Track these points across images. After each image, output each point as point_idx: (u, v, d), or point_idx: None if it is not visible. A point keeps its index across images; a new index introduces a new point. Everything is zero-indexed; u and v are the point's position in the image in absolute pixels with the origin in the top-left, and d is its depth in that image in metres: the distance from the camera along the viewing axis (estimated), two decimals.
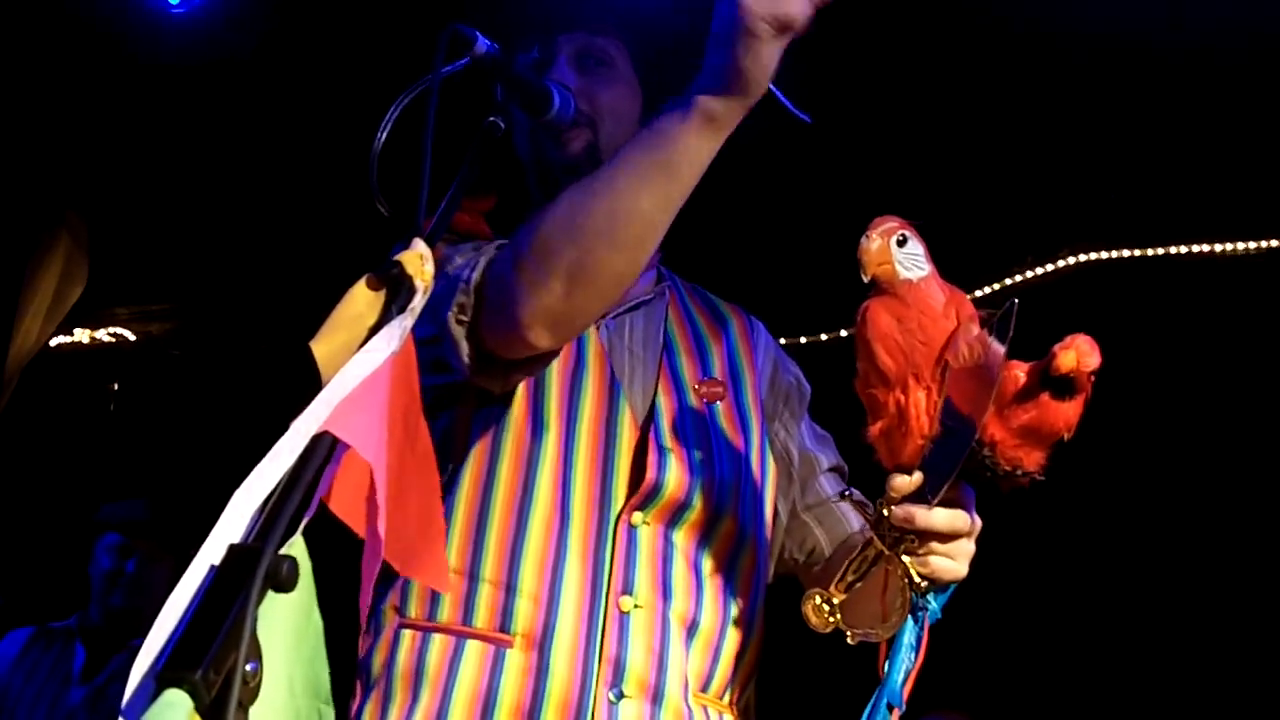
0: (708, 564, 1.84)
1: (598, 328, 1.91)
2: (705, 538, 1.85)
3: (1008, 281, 4.64)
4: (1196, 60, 3.69)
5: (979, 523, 1.60)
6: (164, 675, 0.93)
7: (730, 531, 1.87)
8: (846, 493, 1.89)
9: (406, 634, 1.79)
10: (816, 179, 4.10)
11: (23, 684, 3.86)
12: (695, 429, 1.88)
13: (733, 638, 1.84)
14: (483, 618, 1.75)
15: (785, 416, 2.07)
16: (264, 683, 1.02)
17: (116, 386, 5.59)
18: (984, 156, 4.10)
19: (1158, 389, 4.75)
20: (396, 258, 1.31)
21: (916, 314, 1.51)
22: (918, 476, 1.54)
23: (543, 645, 1.72)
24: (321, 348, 1.25)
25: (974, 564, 1.82)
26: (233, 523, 1.05)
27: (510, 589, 1.74)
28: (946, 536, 1.56)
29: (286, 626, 1.12)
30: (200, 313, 5.37)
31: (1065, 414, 1.51)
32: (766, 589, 1.97)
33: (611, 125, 1.91)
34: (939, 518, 1.54)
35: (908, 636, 1.58)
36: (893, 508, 1.56)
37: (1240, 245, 4.49)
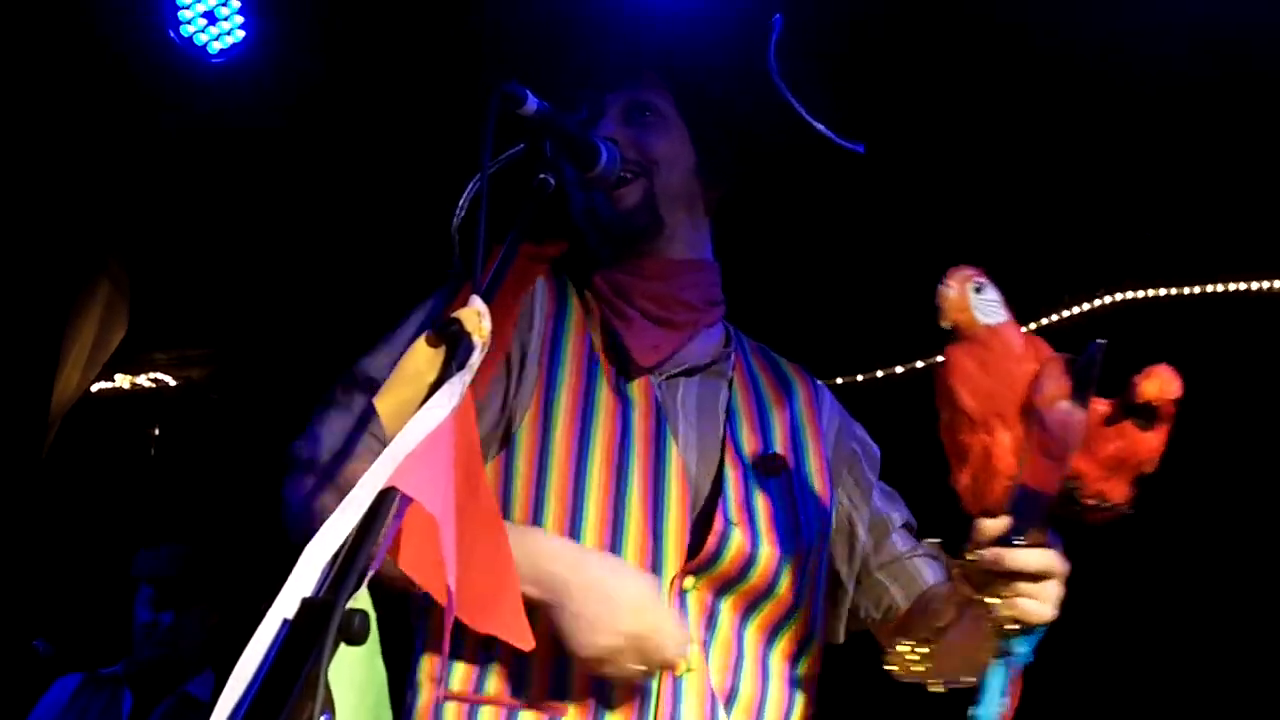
0: (751, 633, 1.85)
1: (651, 386, 1.91)
2: (752, 608, 1.86)
3: (1044, 321, 4.64)
4: (1231, 95, 3.70)
5: (1067, 565, 1.60)
6: None
7: (779, 602, 1.88)
8: (918, 549, 1.96)
9: (450, 706, 1.78)
10: (852, 221, 4.12)
11: None
12: (756, 502, 1.88)
13: (775, 706, 1.84)
14: (535, 688, 1.75)
15: (849, 482, 2.07)
16: None
17: (157, 431, 5.63)
18: (1019, 196, 4.11)
19: (1199, 428, 4.74)
20: (454, 314, 1.34)
21: (998, 357, 1.55)
22: (1005, 519, 1.56)
23: (597, 713, 1.73)
24: (385, 404, 1.28)
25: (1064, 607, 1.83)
26: (304, 576, 1.08)
27: (560, 661, 1.74)
28: (1035, 578, 1.56)
29: (352, 677, 1.14)
30: (238, 357, 5.41)
31: (1149, 444, 1.53)
32: (821, 656, 1.97)
33: (665, 172, 1.93)
34: (1030, 558, 1.55)
35: (996, 681, 1.58)
36: (981, 551, 1.57)
37: (1278, 283, 4.48)
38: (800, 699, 1.89)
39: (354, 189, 4.21)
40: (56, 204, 4.43)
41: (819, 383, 2.15)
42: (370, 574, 1.13)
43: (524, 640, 1.32)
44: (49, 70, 3.84)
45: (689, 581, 1.79)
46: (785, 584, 1.87)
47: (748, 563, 1.83)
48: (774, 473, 1.93)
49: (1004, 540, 1.55)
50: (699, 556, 1.79)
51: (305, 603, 1.04)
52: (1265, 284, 4.46)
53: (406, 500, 1.17)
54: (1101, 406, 1.53)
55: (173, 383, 5.52)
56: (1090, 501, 1.56)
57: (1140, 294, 4.53)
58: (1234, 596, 4.76)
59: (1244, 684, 4.64)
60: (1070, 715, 4.53)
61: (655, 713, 1.72)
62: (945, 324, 1.58)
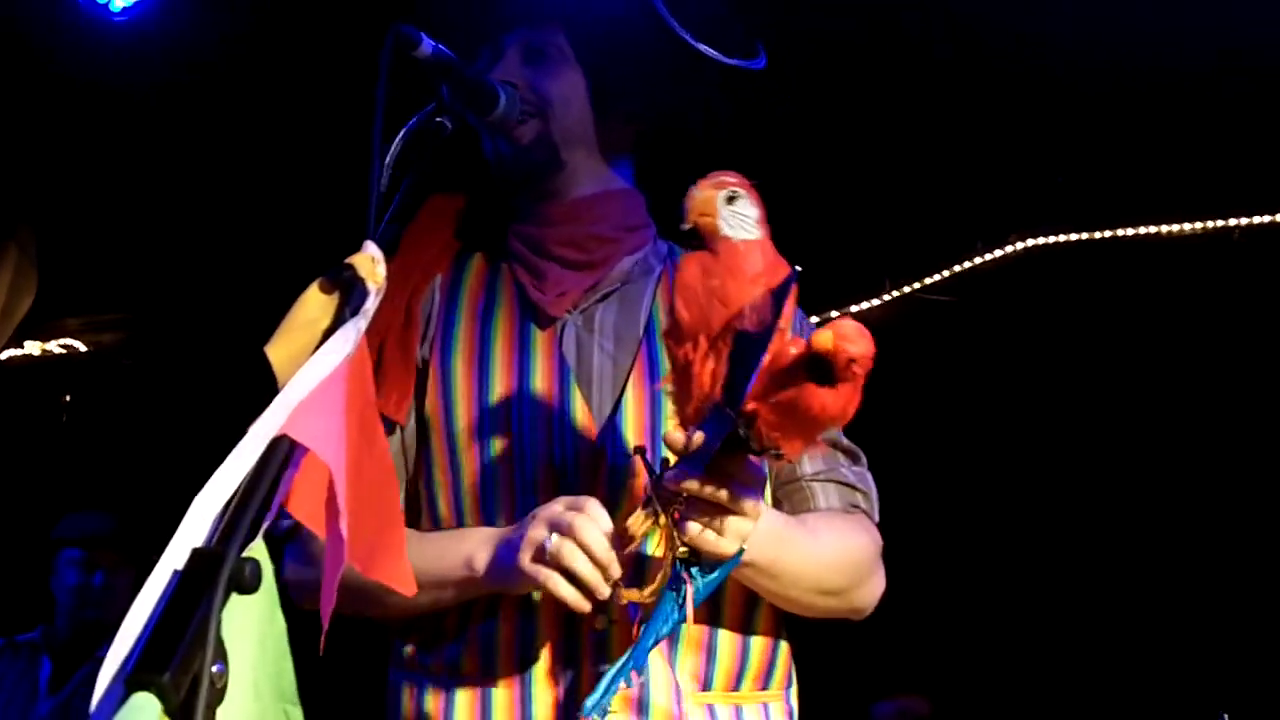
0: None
1: (561, 326, 1.88)
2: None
3: (956, 268, 4.68)
4: (1135, 45, 3.74)
5: (757, 503, 1.54)
6: (132, 679, 0.94)
7: None
8: (833, 473, 1.86)
9: (403, 680, 1.83)
10: (759, 169, 4.12)
11: None
12: (666, 415, 1.79)
13: (727, 633, 1.79)
14: (468, 664, 1.76)
15: None
16: (229, 685, 1.04)
17: (68, 398, 5.56)
18: (931, 145, 4.13)
19: (1108, 370, 4.82)
20: (348, 260, 1.32)
21: (725, 272, 1.44)
22: (698, 437, 1.47)
23: (524, 677, 1.73)
24: (277, 352, 1.25)
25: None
26: (195, 527, 1.06)
27: (488, 632, 1.75)
28: (711, 507, 1.50)
29: (249, 630, 1.13)
30: (151, 322, 5.34)
31: (824, 401, 1.38)
32: None
33: (561, 112, 1.90)
34: (701, 485, 1.49)
35: (662, 610, 1.54)
36: (669, 471, 1.51)
37: (1186, 226, 4.54)
38: (758, 619, 1.83)
39: (265, 149, 4.15)
40: None
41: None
42: (267, 523, 1.12)
43: (408, 586, 1.31)
44: None
45: None
46: None
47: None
48: None
49: (692, 460, 1.48)
50: (598, 497, 1.73)
51: (195, 553, 1.03)
52: (1173, 227, 4.51)
53: (301, 449, 1.16)
54: (794, 349, 1.41)
55: (84, 349, 5.45)
56: (762, 446, 1.46)
57: (1051, 239, 4.58)
58: (1139, 537, 4.84)
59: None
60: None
61: (581, 672, 1.71)
62: (685, 225, 1.48)
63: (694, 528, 1.51)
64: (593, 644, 1.72)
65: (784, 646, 1.87)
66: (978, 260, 4.65)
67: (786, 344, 1.41)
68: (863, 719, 4.43)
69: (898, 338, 4.42)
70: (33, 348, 5.40)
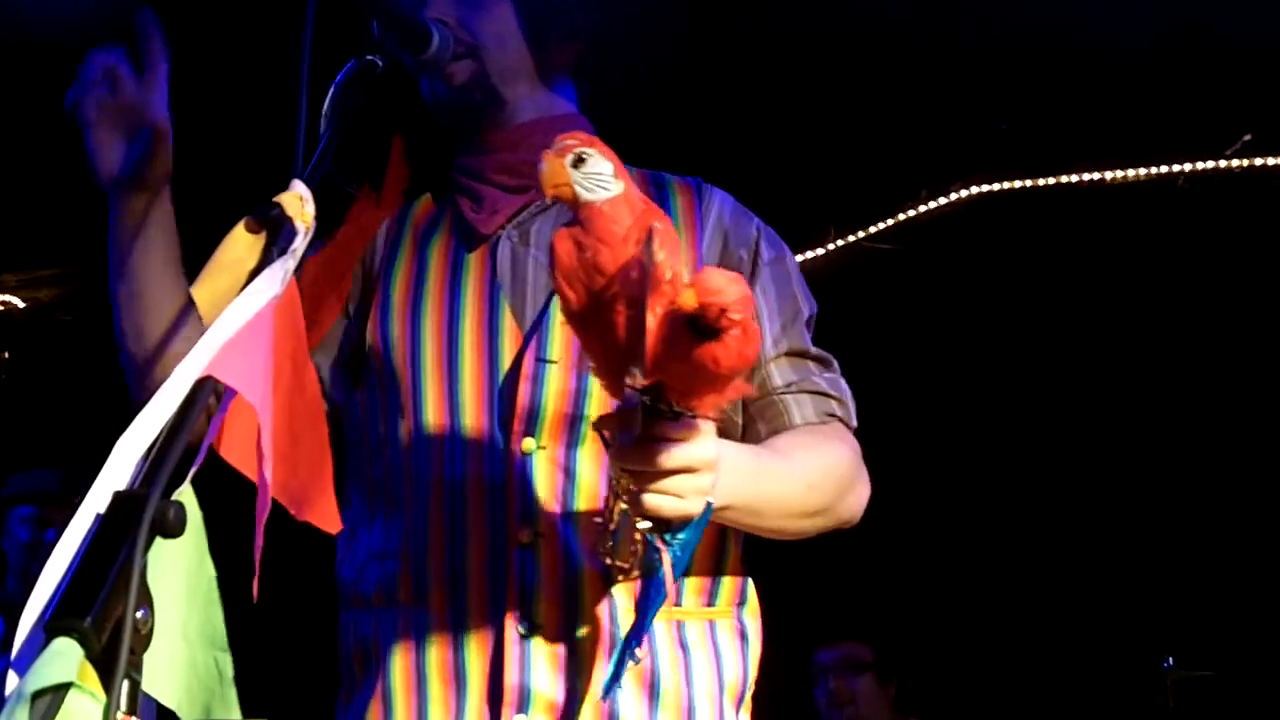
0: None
1: (495, 241, 1.85)
2: None
3: (901, 216, 4.67)
4: None
5: (708, 453, 1.47)
6: (52, 625, 0.92)
7: None
8: (804, 383, 1.80)
9: (346, 617, 1.81)
10: (700, 115, 4.10)
11: None
12: None
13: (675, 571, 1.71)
14: (402, 590, 1.74)
15: None
16: (157, 631, 1.01)
17: (7, 355, 5.49)
18: (874, 90, 4.12)
19: (1056, 317, 4.84)
20: (276, 199, 1.29)
21: (594, 241, 1.39)
22: (613, 419, 1.47)
23: (454, 599, 1.70)
24: (202, 292, 1.23)
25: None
26: (117, 470, 1.04)
27: (419, 555, 1.72)
28: (659, 474, 1.46)
29: (177, 575, 1.11)
30: (88, 277, 5.28)
31: (715, 355, 1.33)
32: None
33: (496, 48, 1.87)
34: (639, 458, 1.45)
35: (657, 577, 1.51)
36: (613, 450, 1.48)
37: (1131, 172, 4.56)
38: (710, 556, 1.78)
39: (196, 91, 4.08)
40: None
41: (716, 191, 1.93)
42: (195, 466, 1.10)
43: (333, 525, 1.29)
44: None
45: (527, 443, 1.71)
46: None
47: (578, 397, 1.73)
48: None
49: (624, 438, 1.46)
50: (517, 409, 1.72)
51: (117, 495, 1.00)
52: (1119, 173, 4.53)
53: (232, 390, 1.13)
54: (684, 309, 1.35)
55: (22, 305, 5.38)
56: (678, 410, 1.42)
57: (996, 186, 4.58)
58: (1088, 493, 4.88)
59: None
60: None
61: (507, 586, 1.68)
62: (545, 201, 1.46)
63: (649, 500, 1.46)
64: (518, 560, 1.69)
65: (729, 559, 1.82)
66: (923, 208, 4.64)
67: (678, 291, 1.35)
68: (805, 665, 4.43)
69: (844, 288, 4.43)
70: None
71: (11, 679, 0.95)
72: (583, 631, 1.69)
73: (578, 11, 1.92)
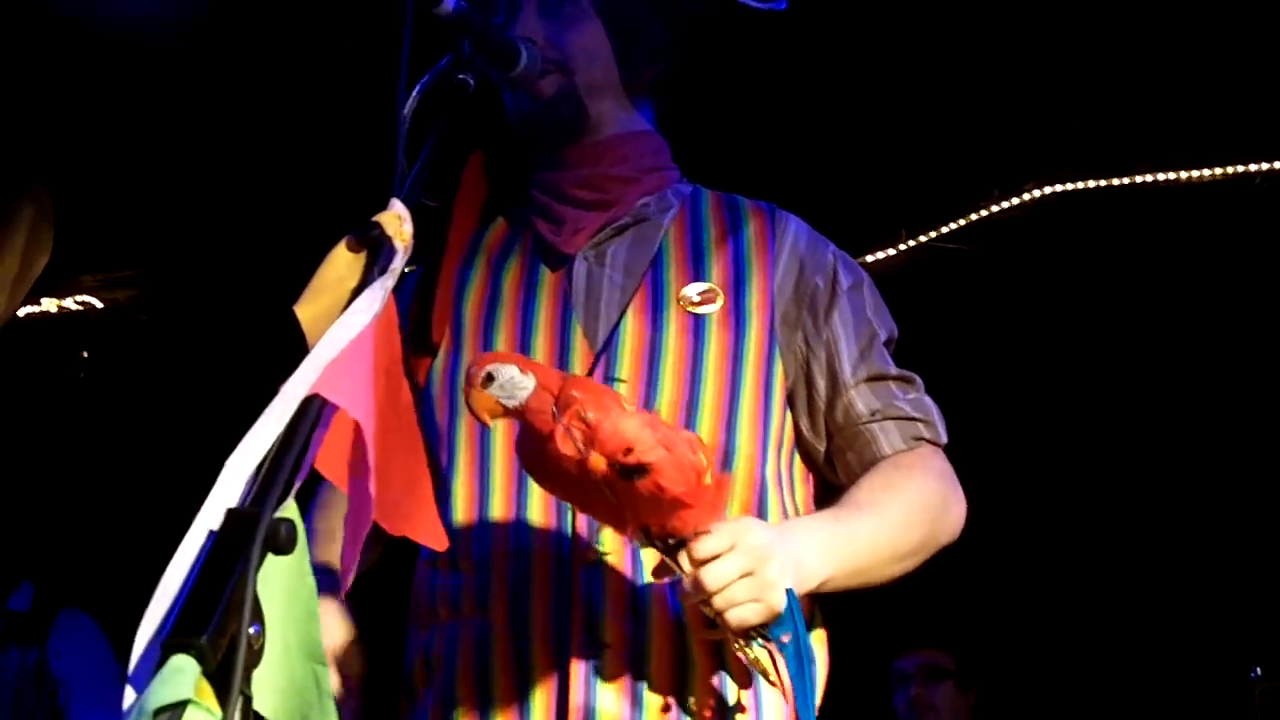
0: None
1: (572, 262, 1.88)
2: None
3: (973, 216, 4.65)
4: None
5: (743, 557, 1.53)
6: (170, 642, 0.93)
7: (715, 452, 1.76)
8: (889, 409, 1.82)
9: (414, 632, 1.85)
10: (775, 119, 4.10)
11: None
12: (670, 346, 1.79)
13: None
14: (466, 603, 1.77)
15: (807, 323, 1.86)
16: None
17: (86, 354, 5.57)
18: (945, 90, 4.10)
19: (1128, 317, 4.80)
20: (375, 219, 1.32)
21: (537, 439, 1.50)
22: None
23: (517, 611, 1.72)
24: (305, 311, 1.26)
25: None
26: (228, 487, 1.06)
27: (483, 568, 1.76)
28: (701, 595, 1.52)
29: (280, 589, 1.13)
30: (166, 277, 5.35)
31: (654, 485, 1.46)
32: (806, 495, 1.90)
33: (585, 65, 1.89)
34: (687, 595, 1.55)
35: (789, 655, 1.57)
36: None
37: (1206, 172, 4.51)
38: None
39: (279, 103, 4.14)
40: None
41: (791, 218, 1.95)
42: (299, 483, 1.12)
43: (439, 542, 1.32)
44: None
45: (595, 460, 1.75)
46: (707, 429, 1.76)
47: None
48: (700, 304, 1.82)
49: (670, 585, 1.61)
50: None
51: (230, 513, 1.02)
52: (1193, 173, 4.48)
53: (331, 408, 1.16)
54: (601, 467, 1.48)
55: (100, 305, 5.46)
56: (674, 541, 1.54)
57: (1068, 186, 4.54)
58: (1156, 497, 4.82)
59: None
60: None
61: (572, 604, 1.71)
62: (488, 426, 1.58)
63: (732, 618, 1.52)
64: (584, 578, 1.72)
65: None
66: (995, 208, 4.61)
67: (589, 458, 1.46)
68: (883, 674, 4.43)
69: (915, 288, 4.41)
70: (49, 305, 5.41)
71: (129, 695, 0.98)
72: (649, 651, 1.70)
73: (662, 31, 1.94)
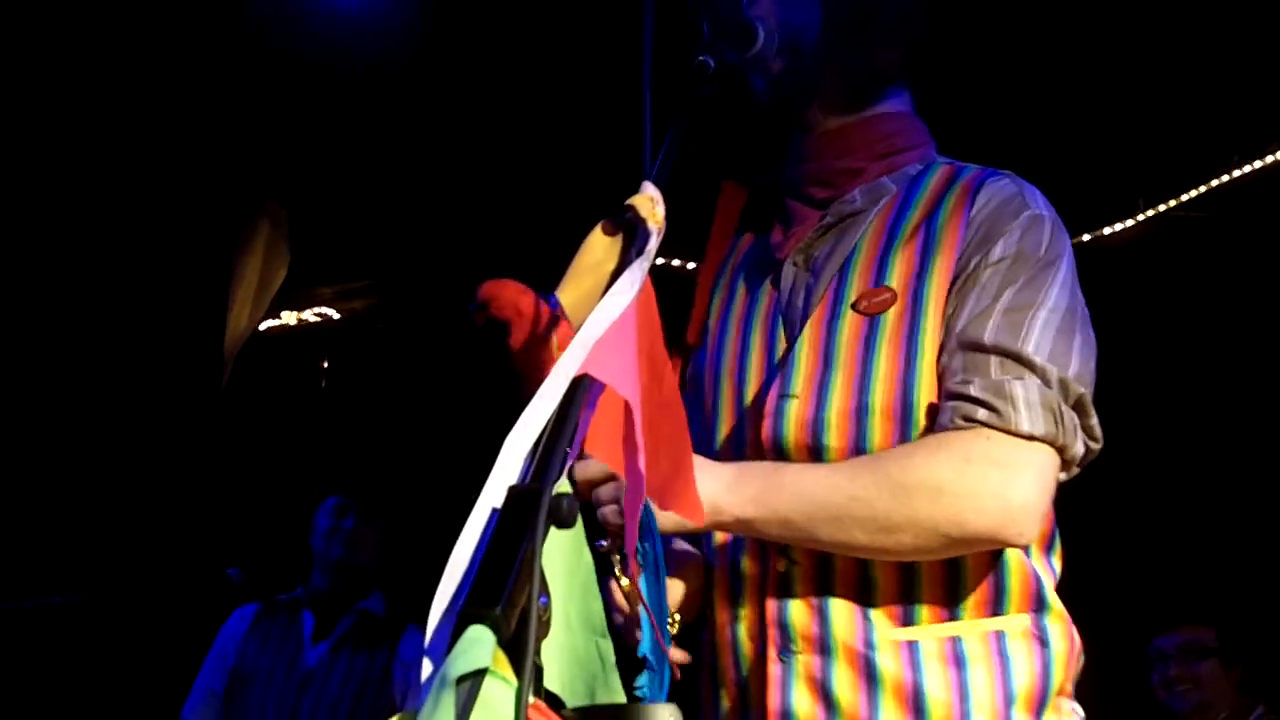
0: None
1: (775, 283, 1.91)
2: None
3: (1214, 183, 4.50)
4: None
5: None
6: (466, 612, 0.96)
7: None
8: (952, 423, 1.67)
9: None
10: (1010, 92, 4.03)
11: (258, 653, 4.03)
12: (843, 354, 1.75)
13: (929, 565, 1.70)
14: (687, 599, 1.86)
15: (954, 307, 1.74)
16: None
17: (326, 364, 5.76)
18: (1184, 55, 3.98)
19: None
20: (628, 201, 1.33)
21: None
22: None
23: (732, 610, 1.82)
24: (567, 295, 1.29)
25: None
26: (508, 466, 1.09)
27: (710, 569, 1.87)
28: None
29: (560, 564, 1.16)
30: (400, 286, 5.50)
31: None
32: None
33: (810, 44, 1.87)
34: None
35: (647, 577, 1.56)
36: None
37: None
38: (987, 567, 1.73)
39: (506, 112, 4.22)
40: (215, 152, 4.53)
41: (995, 185, 1.80)
42: (571, 460, 1.14)
43: (697, 515, 1.34)
44: (215, 27, 3.93)
45: None
46: (878, 437, 1.71)
47: (816, 428, 1.73)
48: (875, 311, 1.75)
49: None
50: (763, 443, 1.77)
51: (513, 490, 1.05)
52: None
53: (597, 388, 1.18)
54: None
55: (337, 316, 5.64)
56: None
57: None
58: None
59: None
60: None
61: (764, 606, 1.77)
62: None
63: (601, 514, 1.66)
64: (778, 587, 1.77)
65: (1014, 568, 1.73)
66: (1235, 174, 4.45)
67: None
68: (1143, 653, 4.31)
69: (1153, 256, 4.29)
70: (289, 318, 5.61)
71: (426, 665, 1.01)
72: (837, 655, 1.71)
73: (896, 12, 1.91)
